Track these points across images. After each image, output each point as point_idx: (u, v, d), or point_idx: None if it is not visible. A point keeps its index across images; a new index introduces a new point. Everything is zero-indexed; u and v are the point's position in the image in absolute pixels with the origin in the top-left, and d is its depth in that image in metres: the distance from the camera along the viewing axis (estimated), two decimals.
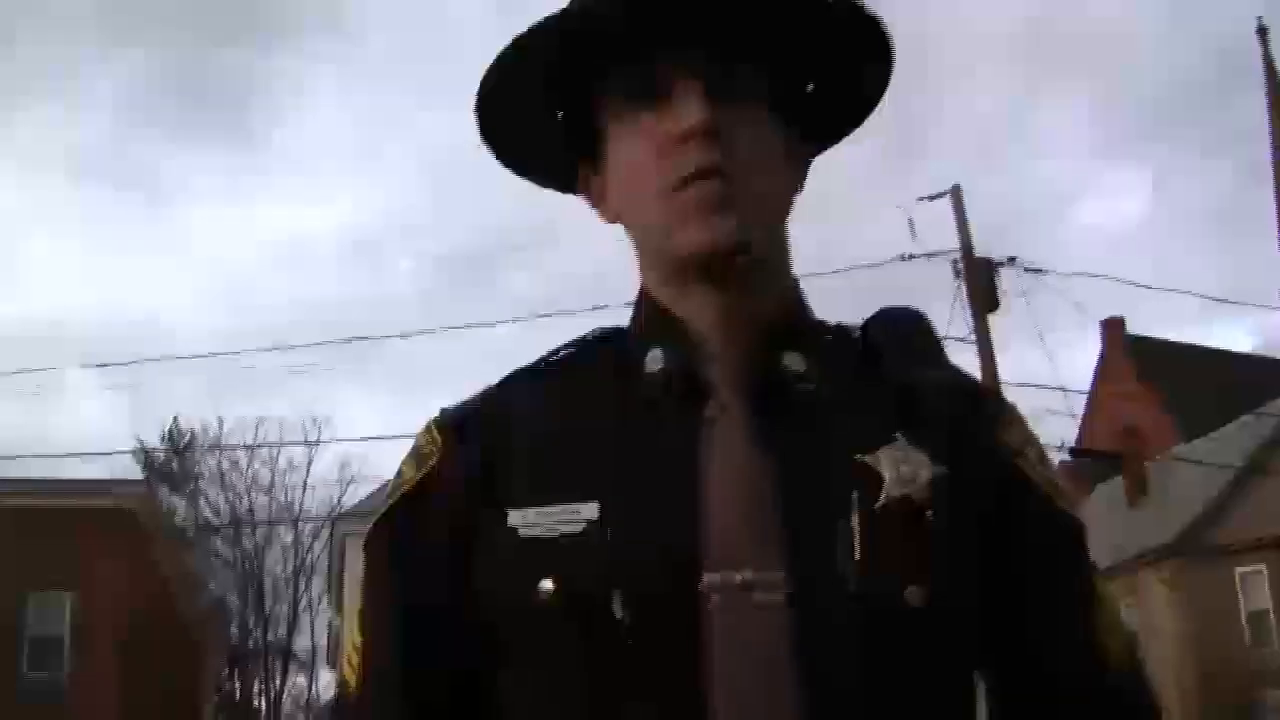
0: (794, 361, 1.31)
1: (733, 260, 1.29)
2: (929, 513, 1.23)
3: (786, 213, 1.39)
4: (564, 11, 1.33)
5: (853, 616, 1.17)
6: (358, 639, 1.35)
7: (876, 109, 1.47)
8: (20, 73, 69.23)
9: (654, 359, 1.33)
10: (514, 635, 1.24)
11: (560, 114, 1.42)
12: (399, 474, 1.39)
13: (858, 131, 1.50)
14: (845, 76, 1.42)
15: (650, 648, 1.17)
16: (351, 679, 1.34)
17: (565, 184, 1.48)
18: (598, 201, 1.42)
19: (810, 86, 1.42)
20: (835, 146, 1.50)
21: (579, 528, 1.22)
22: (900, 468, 1.24)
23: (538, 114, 1.41)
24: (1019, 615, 1.28)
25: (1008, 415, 1.37)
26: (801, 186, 1.42)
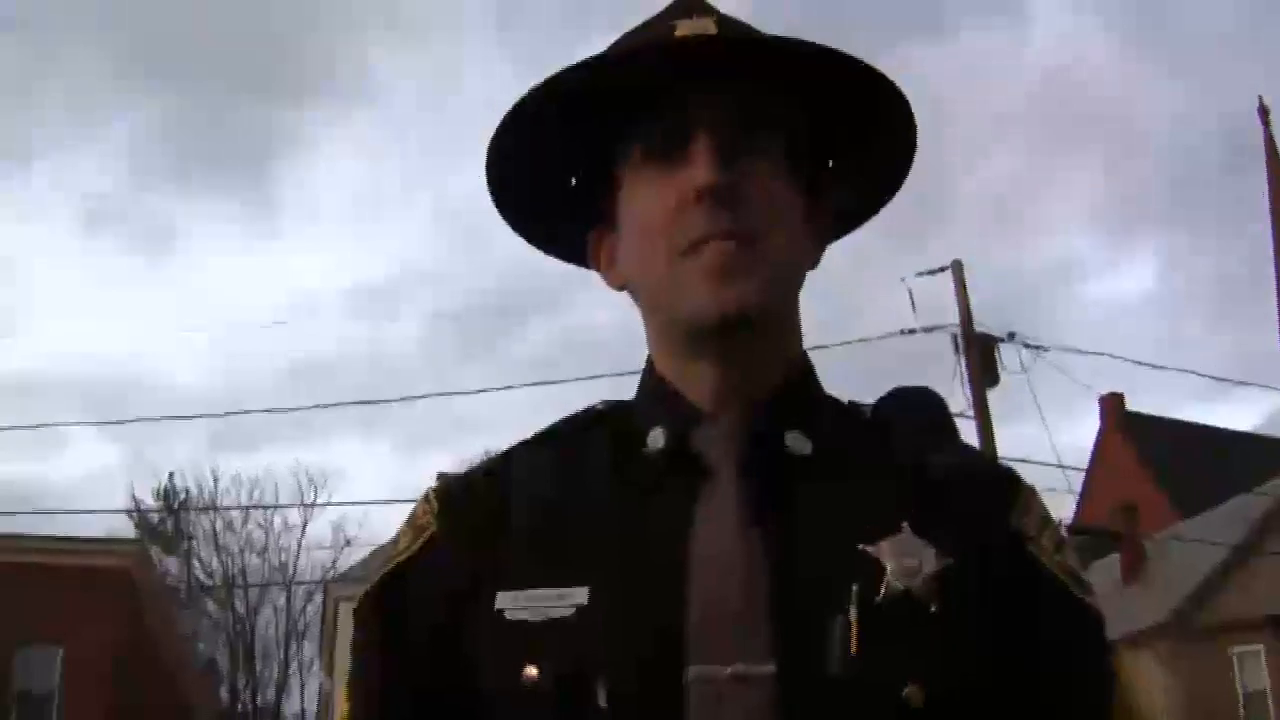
0: (797, 442, 1.28)
1: (740, 329, 1.27)
2: (933, 607, 1.18)
3: (799, 282, 1.36)
4: (581, 65, 1.31)
5: (846, 714, 1.13)
6: (345, 709, 1.34)
7: (896, 193, 1.46)
8: (34, 124, 69.40)
9: (655, 438, 1.30)
10: (497, 718, 1.22)
11: (574, 178, 1.42)
12: (395, 542, 1.37)
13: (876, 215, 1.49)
14: (867, 157, 1.41)
15: None
16: None
17: (575, 253, 1.46)
18: (607, 266, 1.40)
19: (830, 163, 1.41)
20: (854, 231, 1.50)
21: (568, 613, 1.20)
22: (904, 559, 1.19)
23: (550, 176, 1.41)
24: (1035, 707, 1.22)
25: (1024, 499, 1.32)
26: (817, 262, 1.39)
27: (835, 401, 1.40)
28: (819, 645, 1.15)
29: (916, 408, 1.43)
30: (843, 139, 1.40)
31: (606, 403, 1.43)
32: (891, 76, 1.33)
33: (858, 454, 1.32)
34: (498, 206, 1.43)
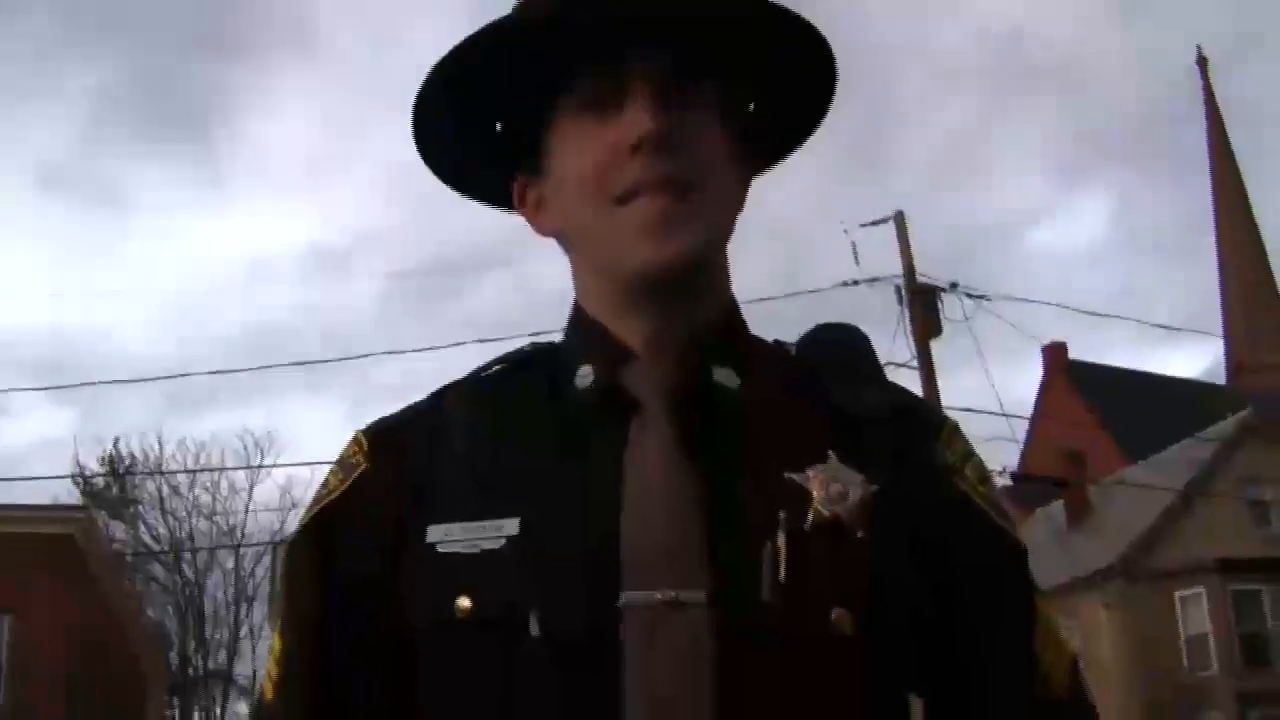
0: (725, 377, 1.29)
1: (680, 281, 1.28)
2: (860, 533, 1.19)
3: (733, 228, 1.36)
4: (515, 16, 1.30)
5: (777, 638, 1.14)
6: (277, 645, 1.33)
7: (815, 133, 1.46)
8: None
9: (584, 375, 1.30)
10: (432, 650, 1.22)
11: (500, 124, 1.40)
12: (324, 484, 1.37)
13: (800, 155, 1.48)
14: (788, 98, 1.41)
15: (567, 665, 1.14)
16: (268, 690, 1.32)
17: (501, 198, 1.45)
18: (535, 213, 1.40)
19: (752, 106, 1.41)
20: (776, 168, 1.50)
21: (499, 544, 1.20)
22: (831, 487, 1.20)
23: (475, 124, 1.39)
24: (957, 635, 1.24)
25: (947, 432, 1.34)
26: (742, 205, 1.40)
27: (761, 340, 1.41)
28: (750, 571, 1.16)
29: (840, 344, 1.43)
30: (762, 78, 1.39)
31: (537, 344, 1.43)
32: (825, 17, 1.33)
33: (785, 389, 1.33)
34: (419, 147, 1.41)
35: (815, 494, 1.20)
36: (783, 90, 1.40)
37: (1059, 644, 1.30)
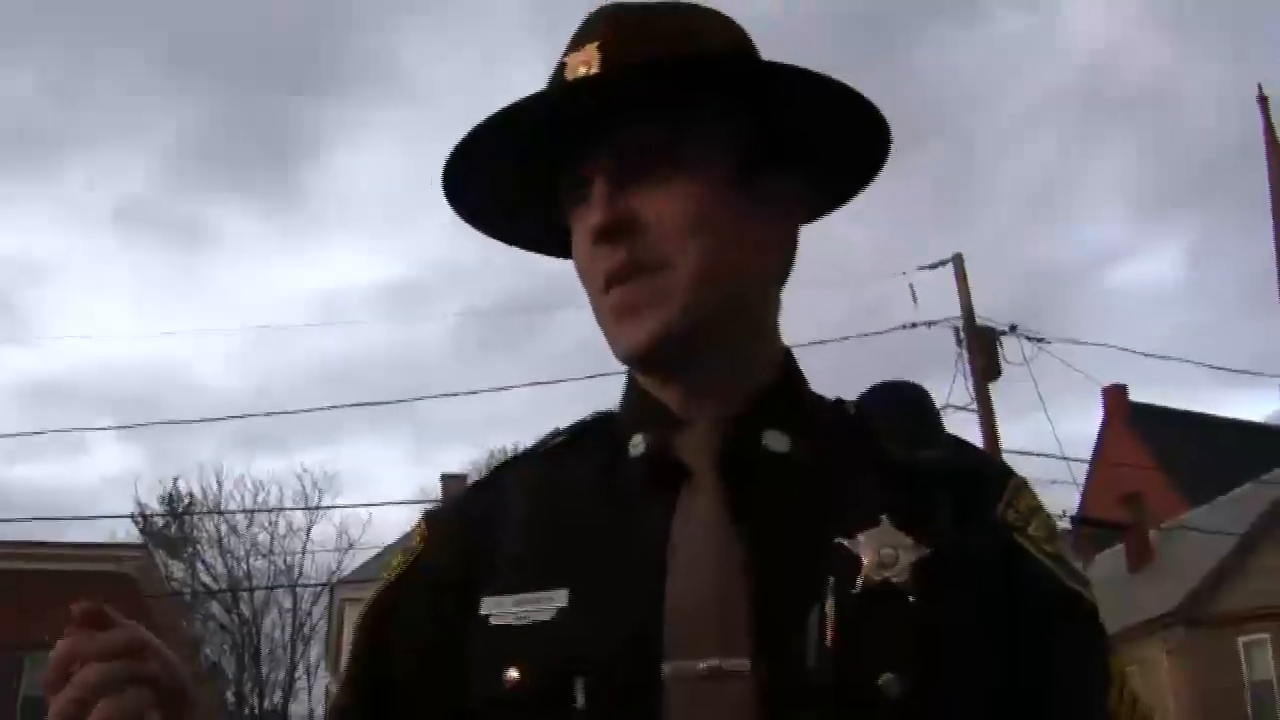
0: (775, 440, 1.28)
1: (662, 361, 1.29)
2: (911, 598, 1.17)
3: (747, 284, 1.32)
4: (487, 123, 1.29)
5: (823, 706, 1.12)
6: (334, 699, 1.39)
7: (874, 179, 1.43)
8: (63, 122, 69.03)
9: (636, 444, 1.31)
10: None
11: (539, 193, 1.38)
12: (387, 566, 1.41)
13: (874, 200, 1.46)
14: (845, 148, 1.37)
15: None
16: None
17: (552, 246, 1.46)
18: None
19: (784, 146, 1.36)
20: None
21: (549, 615, 1.22)
22: (881, 550, 1.19)
23: (519, 191, 1.39)
24: (1026, 698, 1.20)
25: (1012, 489, 1.31)
26: (782, 252, 1.37)
27: (819, 399, 1.40)
28: (796, 638, 1.15)
29: (900, 402, 1.40)
30: (798, 121, 1.34)
31: (601, 413, 1.44)
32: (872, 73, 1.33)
33: (839, 450, 1.31)
34: (451, 202, 1.41)
35: (865, 559, 1.19)
36: (839, 140, 1.36)
37: (1133, 703, 1.26)
